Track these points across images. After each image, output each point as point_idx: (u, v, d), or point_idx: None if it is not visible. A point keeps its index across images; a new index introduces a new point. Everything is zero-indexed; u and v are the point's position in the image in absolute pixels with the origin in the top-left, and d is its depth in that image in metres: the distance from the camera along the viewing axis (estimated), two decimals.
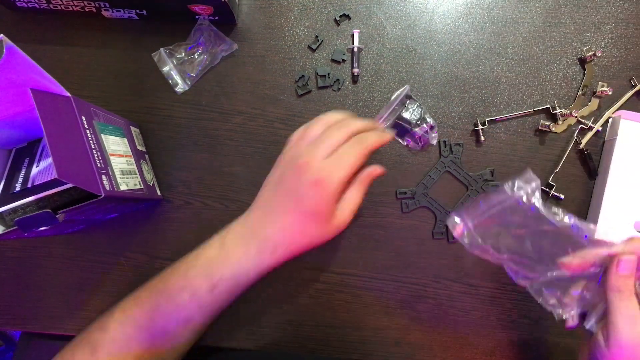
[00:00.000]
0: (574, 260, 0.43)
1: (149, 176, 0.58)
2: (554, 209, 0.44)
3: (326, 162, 0.46)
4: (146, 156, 0.60)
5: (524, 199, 0.44)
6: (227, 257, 0.49)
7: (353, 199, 0.49)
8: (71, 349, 0.51)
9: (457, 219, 0.47)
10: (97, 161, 0.45)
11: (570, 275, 0.43)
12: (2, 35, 0.36)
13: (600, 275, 0.43)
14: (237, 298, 0.52)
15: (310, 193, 0.46)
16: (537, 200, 0.45)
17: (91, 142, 0.46)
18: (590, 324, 0.43)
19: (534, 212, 0.45)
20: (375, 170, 0.52)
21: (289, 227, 0.48)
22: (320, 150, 0.46)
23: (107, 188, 0.45)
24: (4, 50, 0.37)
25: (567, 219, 0.43)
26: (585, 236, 0.43)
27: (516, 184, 0.45)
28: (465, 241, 0.47)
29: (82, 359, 0.49)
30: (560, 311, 0.44)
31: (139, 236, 0.61)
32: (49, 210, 0.42)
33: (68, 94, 0.45)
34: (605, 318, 0.41)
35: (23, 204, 0.46)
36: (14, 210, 0.46)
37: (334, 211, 0.48)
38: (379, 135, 0.50)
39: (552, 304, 0.45)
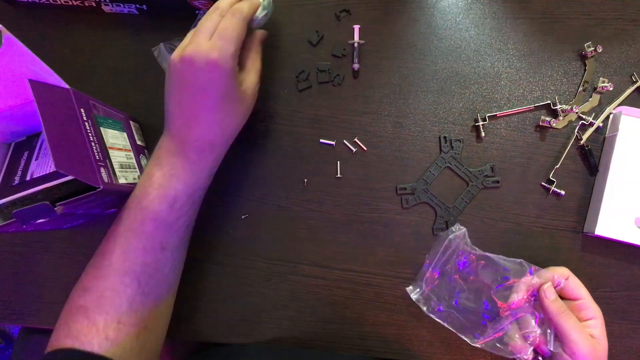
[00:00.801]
0: (514, 297, 0.52)
1: None
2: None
3: (211, 42, 0.46)
4: (146, 151, 0.60)
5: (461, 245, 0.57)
6: (173, 172, 0.49)
7: (254, 64, 0.52)
8: (64, 322, 0.49)
9: (410, 287, 0.58)
10: (96, 154, 0.45)
11: (512, 316, 0.52)
12: (0, 25, 0.36)
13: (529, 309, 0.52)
14: (200, 202, 0.53)
15: (211, 78, 0.46)
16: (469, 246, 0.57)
17: (90, 134, 0.45)
18: (552, 345, 0.51)
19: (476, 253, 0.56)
20: (261, 34, 0.55)
21: (213, 120, 0.49)
22: (201, 36, 0.47)
23: (106, 181, 0.45)
24: (2, 40, 0.37)
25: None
26: (531, 270, 0.54)
27: (448, 234, 0.57)
28: (422, 307, 0.57)
29: (79, 328, 0.47)
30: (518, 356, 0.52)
31: None
32: (47, 202, 0.42)
33: (67, 86, 0.45)
34: (560, 339, 0.50)
35: (21, 197, 0.46)
36: (13, 202, 0.46)
37: (240, 83, 0.49)
38: (250, 1, 0.51)
39: (509, 351, 0.52)
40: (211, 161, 0.51)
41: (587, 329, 0.50)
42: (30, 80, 0.39)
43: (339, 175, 0.60)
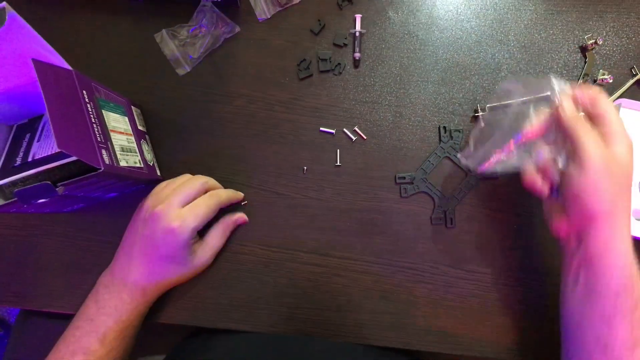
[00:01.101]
0: (537, 124, 0.48)
1: (149, 156, 0.58)
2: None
3: (181, 211, 0.52)
4: (146, 136, 0.60)
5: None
6: (105, 310, 0.52)
7: (213, 242, 0.57)
8: None
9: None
10: (98, 135, 0.45)
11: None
12: (4, 2, 0.37)
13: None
14: (133, 337, 0.55)
15: (165, 240, 0.51)
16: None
17: (92, 116, 0.46)
18: (562, 162, 0.46)
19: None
20: (239, 218, 0.59)
21: (152, 271, 0.53)
22: (176, 200, 0.52)
23: (107, 162, 0.45)
24: (6, 17, 0.37)
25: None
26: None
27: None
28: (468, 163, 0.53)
29: None
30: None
31: None
32: (49, 182, 0.43)
33: (70, 67, 0.45)
34: (571, 153, 0.45)
35: (23, 177, 0.46)
36: (14, 183, 0.47)
37: (190, 254, 0.54)
38: (233, 192, 0.59)
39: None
40: (141, 304, 0.54)
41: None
42: (34, 60, 0.39)
43: (338, 164, 0.60)
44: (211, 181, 0.57)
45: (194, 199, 0.54)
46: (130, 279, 0.53)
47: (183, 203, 0.52)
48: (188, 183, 0.54)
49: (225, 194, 0.57)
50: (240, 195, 0.60)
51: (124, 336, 0.53)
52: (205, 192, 0.55)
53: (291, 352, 0.59)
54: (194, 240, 0.54)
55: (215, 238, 0.57)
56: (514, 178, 0.58)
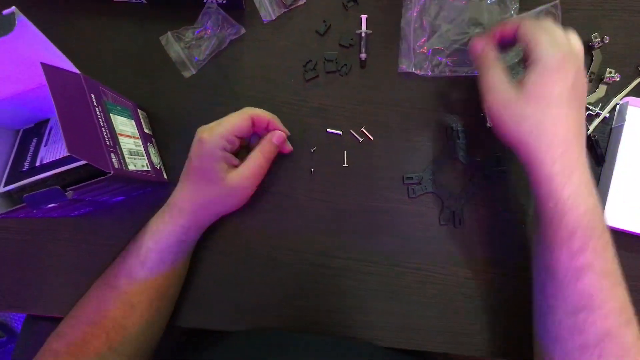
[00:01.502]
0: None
1: (156, 159, 0.58)
2: None
3: (210, 124, 0.52)
4: (153, 139, 0.60)
5: None
6: (148, 228, 0.54)
7: (250, 162, 0.54)
8: None
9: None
10: (107, 139, 0.45)
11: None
12: (14, 7, 0.36)
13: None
14: (174, 265, 0.54)
15: (196, 153, 0.52)
16: None
17: (100, 120, 0.45)
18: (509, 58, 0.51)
19: None
20: (278, 136, 0.56)
21: (186, 189, 0.54)
22: (214, 122, 0.53)
23: (116, 166, 0.45)
24: (16, 22, 0.37)
25: None
26: None
27: None
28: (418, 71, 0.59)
29: None
30: None
31: (145, 220, 0.60)
32: (58, 187, 0.42)
33: (78, 71, 0.45)
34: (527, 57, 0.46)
35: (31, 182, 0.46)
36: (22, 188, 0.46)
37: (223, 169, 0.52)
38: (262, 111, 0.56)
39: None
40: (178, 226, 0.53)
41: (524, 75, 0.45)
42: (43, 64, 0.39)
43: (345, 165, 0.60)
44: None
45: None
46: (172, 200, 0.54)
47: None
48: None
49: (261, 110, 0.55)
50: (284, 129, 0.57)
51: (163, 260, 0.53)
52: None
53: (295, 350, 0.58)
54: (226, 155, 0.52)
55: (253, 158, 0.54)
56: (522, 178, 0.58)
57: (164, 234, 0.53)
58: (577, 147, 0.44)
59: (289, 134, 0.58)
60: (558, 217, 0.43)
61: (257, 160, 0.54)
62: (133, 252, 0.53)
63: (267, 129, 0.56)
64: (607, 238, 0.45)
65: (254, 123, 0.54)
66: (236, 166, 0.54)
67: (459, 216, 0.59)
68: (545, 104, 0.43)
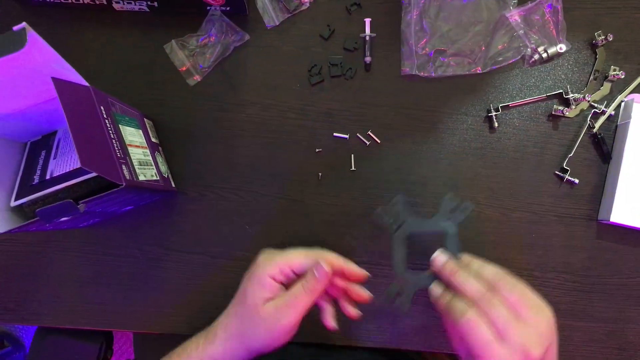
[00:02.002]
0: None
1: (164, 168, 0.58)
2: None
3: (276, 250, 0.48)
4: (160, 148, 0.60)
5: None
6: (185, 348, 0.50)
7: (290, 291, 0.46)
8: None
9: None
10: (117, 151, 0.45)
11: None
12: (24, 23, 0.36)
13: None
14: None
15: (247, 272, 0.48)
16: None
17: (110, 132, 0.45)
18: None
19: None
20: (318, 267, 0.46)
21: (226, 313, 0.49)
22: (281, 251, 0.48)
23: (128, 178, 0.45)
24: (27, 38, 0.37)
25: None
26: None
27: None
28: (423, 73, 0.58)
29: None
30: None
31: (154, 229, 0.61)
32: (71, 201, 0.42)
33: (87, 84, 0.45)
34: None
35: (43, 196, 0.46)
36: (34, 202, 0.46)
37: (262, 297, 0.46)
38: (344, 260, 0.50)
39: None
40: (207, 356, 0.49)
41: None
42: (54, 78, 0.39)
43: (353, 169, 0.60)
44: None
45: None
46: (215, 323, 0.50)
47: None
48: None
49: (334, 257, 0.49)
50: (358, 272, 0.50)
51: None
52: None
53: None
54: (274, 284, 0.47)
55: (292, 290, 0.46)
56: (530, 177, 0.59)
57: (193, 357, 0.49)
58: None
59: (365, 277, 0.50)
60: None
61: (296, 292, 0.46)
62: None
63: (344, 276, 0.50)
64: None
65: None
66: None
67: None
68: None
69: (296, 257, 0.48)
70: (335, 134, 0.61)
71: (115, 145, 0.45)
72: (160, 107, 0.62)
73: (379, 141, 0.61)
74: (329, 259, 0.48)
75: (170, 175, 0.60)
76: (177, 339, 0.59)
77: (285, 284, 0.48)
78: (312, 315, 0.58)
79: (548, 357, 0.41)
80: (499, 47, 0.59)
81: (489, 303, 0.40)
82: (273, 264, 0.47)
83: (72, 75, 0.43)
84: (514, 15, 0.59)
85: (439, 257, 0.46)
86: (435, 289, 0.45)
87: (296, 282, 0.47)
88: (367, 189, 0.60)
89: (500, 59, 0.60)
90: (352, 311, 0.51)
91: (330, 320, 0.52)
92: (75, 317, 0.60)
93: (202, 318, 0.59)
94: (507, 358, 0.38)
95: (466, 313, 0.40)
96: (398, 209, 0.49)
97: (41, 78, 0.41)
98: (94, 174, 0.45)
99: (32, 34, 0.37)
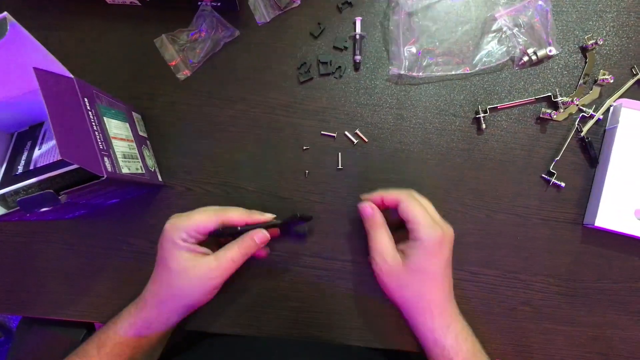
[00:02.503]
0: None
1: (151, 162, 0.58)
2: None
3: (180, 214, 0.52)
4: (147, 142, 0.60)
5: None
6: (117, 318, 0.53)
7: (225, 250, 0.51)
8: None
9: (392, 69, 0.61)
10: (100, 143, 0.45)
11: None
12: (6, 13, 0.36)
13: None
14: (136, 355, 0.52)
15: (160, 243, 0.51)
16: None
17: (93, 124, 0.46)
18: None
19: None
20: (258, 234, 0.52)
21: (153, 280, 0.53)
22: (185, 213, 0.52)
23: (109, 170, 0.45)
24: (8, 28, 0.37)
25: None
26: None
27: None
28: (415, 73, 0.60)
29: None
30: None
31: (140, 222, 0.61)
32: (52, 191, 0.42)
33: (71, 75, 0.45)
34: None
35: (25, 186, 0.46)
36: (16, 192, 0.47)
37: (187, 259, 0.50)
38: (247, 212, 0.54)
39: None
40: (139, 319, 0.52)
41: (407, 248, 0.51)
42: (35, 69, 0.39)
43: (340, 167, 0.60)
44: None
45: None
46: (144, 289, 0.53)
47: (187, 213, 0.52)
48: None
49: (237, 213, 0.53)
50: (261, 218, 0.53)
51: (121, 350, 0.51)
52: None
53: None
54: (189, 245, 0.50)
55: (227, 250, 0.51)
56: (516, 180, 0.59)
57: (126, 324, 0.52)
58: (451, 305, 0.53)
59: (271, 218, 0.54)
60: None
61: (231, 253, 0.51)
62: (95, 336, 0.52)
63: (248, 224, 0.53)
64: None
65: (225, 224, 0.52)
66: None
67: None
68: (425, 277, 0.51)
69: (199, 221, 0.50)
70: (322, 132, 0.61)
71: (97, 137, 0.45)
72: (150, 101, 0.62)
73: (366, 140, 0.61)
74: (234, 220, 0.52)
75: (157, 169, 0.60)
76: None
77: (199, 242, 0.52)
78: (313, 315, 0.59)
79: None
80: (488, 47, 0.59)
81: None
82: (179, 228, 0.50)
83: (56, 66, 0.43)
84: (503, 15, 0.59)
85: (366, 207, 0.54)
86: (365, 202, 0.54)
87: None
88: (353, 187, 0.60)
89: (489, 59, 0.59)
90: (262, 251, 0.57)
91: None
92: (60, 308, 0.61)
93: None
94: (435, 227, 0.50)
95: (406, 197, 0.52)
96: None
97: (24, 69, 0.41)
98: (76, 166, 0.45)
99: (13, 24, 0.37)
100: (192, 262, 0.50)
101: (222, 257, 0.51)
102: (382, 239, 0.53)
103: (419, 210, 0.51)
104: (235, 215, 0.52)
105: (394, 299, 0.53)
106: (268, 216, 0.54)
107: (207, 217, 0.51)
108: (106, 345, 0.51)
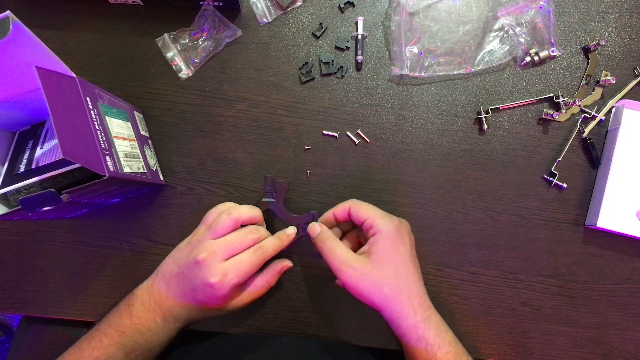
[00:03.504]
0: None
1: (152, 161, 0.58)
2: None
3: (223, 266, 0.50)
4: (149, 141, 0.60)
5: None
6: (138, 325, 0.52)
7: (254, 290, 0.54)
8: None
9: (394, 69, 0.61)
10: (102, 142, 0.45)
11: None
12: (8, 12, 0.36)
13: None
14: (156, 356, 0.55)
15: (204, 292, 0.50)
16: None
17: (95, 123, 0.46)
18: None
19: None
20: (284, 266, 0.57)
21: (186, 306, 0.53)
22: (222, 251, 0.50)
23: (111, 169, 0.45)
24: (11, 27, 0.37)
25: None
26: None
27: None
28: (416, 73, 0.60)
29: None
30: None
31: (141, 221, 0.61)
32: (53, 190, 0.42)
33: (73, 74, 0.45)
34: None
35: (27, 185, 0.46)
36: (18, 190, 0.47)
37: (228, 299, 0.52)
38: (279, 242, 0.55)
39: None
40: (172, 329, 0.54)
41: (369, 246, 0.51)
42: (38, 68, 0.39)
43: (341, 167, 0.60)
44: (262, 231, 0.55)
45: (241, 251, 0.52)
46: (166, 305, 0.53)
47: (228, 255, 0.51)
48: (238, 237, 0.52)
49: (272, 248, 0.54)
50: (286, 241, 0.56)
51: (147, 354, 0.53)
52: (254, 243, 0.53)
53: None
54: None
55: (258, 287, 0.55)
56: (518, 181, 0.59)
57: (154, 335, 0.53)
58: (427, 298, 0.52)
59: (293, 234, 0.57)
60: (432, 356, 0.50)
61: (261, 289, 0.55)
62: (118, 342, 0.52)
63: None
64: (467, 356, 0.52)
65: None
66: None
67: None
68: (395, 265, 0.50)
69: (249, 272, 0.52)
70: (324, 132, 0.61)
71: (100, 136, 0.45)
72: (151, 100, 0.62)
73: (368, 140, 0.61)
74: (273, 252, 0.54)
75: (159, 168, 0.60)
76: None
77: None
78: (313, 315, 0.59)
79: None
80: (490, 46, 0.59)
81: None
82: (232, 288, 0.51)
83: (58, 66, 0.43)
84: (505, 15, 0.59)
85: (314, 226, 0.55)
86: (310, 225, 0.55)
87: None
88: (354, 187, 0.60)
89: (491, 58, 0.59)
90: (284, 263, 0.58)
91: (285, 264, 0.58)
92: (61, 307, 0.61)
93: None
94: (390, 217, 0.52)
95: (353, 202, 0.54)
96: (278, 187, 0.57)
97: (27, 68, 0.41)
98: (78, 165, 0.45)
99: (16, 23, 0.37)
100: (228, 300, 0.53)
101: (253, 292, 0.54)
102: (338, 248, 0.51)
103: (369, 207, 0.53)
104: (274, 251, 0.54)
105: (373, 302, 0.50)
106: (291, 233, 0.57)
107: (255, 269, 0.53)
108: (134, 352, 0.52)
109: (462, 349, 0.52)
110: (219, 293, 0.50)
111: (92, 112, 0.46)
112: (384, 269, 0.50)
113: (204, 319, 0.56)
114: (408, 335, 0.50)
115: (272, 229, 0.58)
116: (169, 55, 0.61)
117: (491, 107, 0.60)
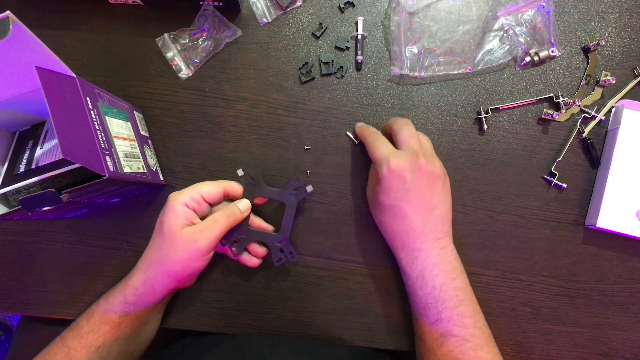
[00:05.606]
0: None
1: (152, 161, 0.58)
2: None
3: (198, 228, 0.51)
4: (149, 141, 0.60)
5: None
6: (109, 290, 0.55)
7: (210, 216, 0.53)
8: None
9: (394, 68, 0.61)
10: (102, 142, 0.45)
11: None
12: (8, 12, 0.36)
13: None
14: (121, 330, 0.53)
15: (182, 256, 0.51)
16: None
17: (95, 123, 0.46)
18: None
19: None
20: (242, 202, 0.56)
21: (144, 253, 0.55)
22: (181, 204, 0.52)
23: (111, 169, 0.45)
24: (10, 27, 0.37)
25: None
26: None
27: None
28: (415, 73, 0.60)
29: None
30: None
31: (141, 221, 0.61)
32: (53, 190, 0.42)
33: (73, 74, 0.45)
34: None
35: (27, 185, 0.46)
36: (18, 190, 0.47)
37: (178, 223, 0.51)
38: (240, 187, 0.56)
39: None
40: (128, 286, 0.53)
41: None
42: (38, 68, 0.39)
43: (341, 167, 0.60)
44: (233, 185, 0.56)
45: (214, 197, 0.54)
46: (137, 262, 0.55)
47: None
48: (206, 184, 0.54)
49: (238, 186, 0.56)
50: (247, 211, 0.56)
51: (106, 320, 0.53)
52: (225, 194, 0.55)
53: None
54: (187, 211, 0.52)
55: (212, 216, 0.53)
56: (518, 181, 0.59)
57: (113, 293, 0.54)
58: (422, 240, 0.52)
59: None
60: (413, 292, 0.53)
61: (214, 215, 0.53)
62: (86, 310, 0.54)
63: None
64: (465, 308, 0.51)
65: (227, 194, 0.56)
66: None
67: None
68: (381, 208, 0.54)
69: (207, 187, 0.53)
70: (324, 132, 0.61)
71: (99, 136, 0.45)
72: (151, 100, 0.62)
73: None
74: (237, 191, 0.56)
75: (159, 168, 0.60)
76: (161, 330, 0.59)
77: (198, 212, 0.53)
78: (313, 315, 0.59)
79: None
80: (490, 46, 0.59)
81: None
82: (184, 194, 0.52)
83: (58, 66, 0.43)
84: (505, 14, 0.59)
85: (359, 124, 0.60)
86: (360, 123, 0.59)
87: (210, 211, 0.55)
88: (354, 187, 0.60)
89: (491, 58, 0.59)
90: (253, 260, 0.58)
91: (251, 260, 0.58)
92: (61, 308, 0.61)
93: (186, 309, 0.60)
94: (392, 157, 0.51)
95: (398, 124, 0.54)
96: (256, 174, 0.56)
97: (27, 68, 0.41)
98: (78, 165, 0.45)
99: (16, 24, 0.37)
100: (180, 227, 0.51)
101: (208, 221, 0.52)
102: (380, 144, 0.53)
103: (400, 129, 0.54)
104: (236, 185, 0.56)
105: (377, 224, 0.56)
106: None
107: (214, 186, 0.54)
108: (95, 314, 0.53)
109: (459, 297, 0.52)
110: (197, 254, 0.51)
111: (92, 112, 0.46)
112: (377, 205, 0.54)
113: (165, 271, 0.53)
114: (400, 266, 0.55)
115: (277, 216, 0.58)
116: (169, 55, 0.61)
117: (491, 107, 0.60)
